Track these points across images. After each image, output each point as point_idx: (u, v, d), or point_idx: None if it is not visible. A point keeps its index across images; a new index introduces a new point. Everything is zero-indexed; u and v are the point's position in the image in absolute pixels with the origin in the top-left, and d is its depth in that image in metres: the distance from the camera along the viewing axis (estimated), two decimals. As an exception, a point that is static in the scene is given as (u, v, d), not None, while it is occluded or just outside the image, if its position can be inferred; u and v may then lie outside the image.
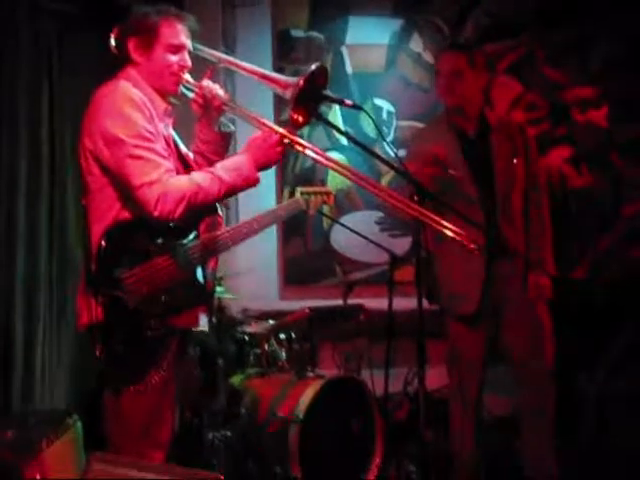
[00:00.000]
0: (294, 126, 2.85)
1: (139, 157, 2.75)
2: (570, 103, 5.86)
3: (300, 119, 2.83)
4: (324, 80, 2.86)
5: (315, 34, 6.14)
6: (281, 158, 2.95)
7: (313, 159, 2.89)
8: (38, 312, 4.09)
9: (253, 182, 2.90)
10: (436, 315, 4.21)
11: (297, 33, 6.15)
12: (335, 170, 2.88)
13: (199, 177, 2.82)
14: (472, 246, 2.74)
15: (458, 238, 2.74)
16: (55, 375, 4.22)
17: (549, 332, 4.15)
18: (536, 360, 4.08)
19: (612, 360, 3.41)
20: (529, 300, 4.08)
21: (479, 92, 4.12)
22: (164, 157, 2.83)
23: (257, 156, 2.88)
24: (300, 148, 2.85)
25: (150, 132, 2.81)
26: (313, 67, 2.81)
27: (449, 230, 2.78)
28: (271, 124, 2.91)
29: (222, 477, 2.27)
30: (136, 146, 2.76)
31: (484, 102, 4.19)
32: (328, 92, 2.95)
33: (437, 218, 2.79)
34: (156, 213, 2.72)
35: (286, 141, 2.86)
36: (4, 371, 3.87)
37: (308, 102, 2.81)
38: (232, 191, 2.88)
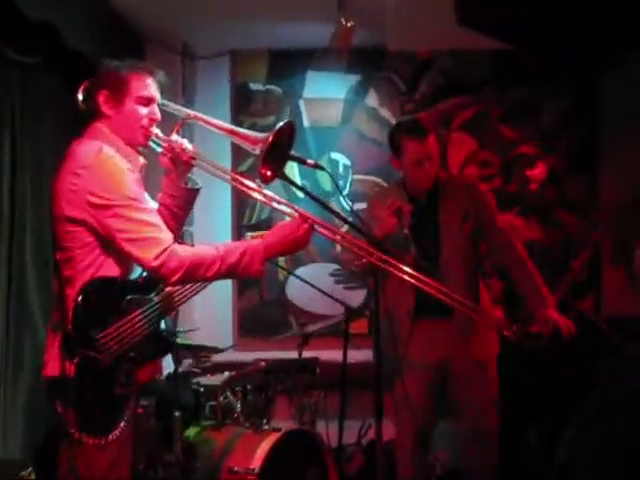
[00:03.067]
0: (263, 181, 2.91)
1: (130, 218, 2.78)
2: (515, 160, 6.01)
3: (269, 174, 2.90)
4: (291, 135, 2.93)
5: (273, 87, 6.24)
6: (304, 247, 2.99)
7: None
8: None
9: (255, 272, 2.89)
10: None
11: (256, 86, 6.25)
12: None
13: (204, 251, 2.84)
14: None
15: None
16: (10, 426, 4.16)
17: (496, 389, 4.22)
18: (484, 417, 4.15)
19: (583, 418, 3.46)
20: (476, 359, 4.14)
21: (437, 163, 4.21)
22: (157, 217, 2.88)
23: (274, 244, 2.91)
24: (255, 194, 2.95)
25: (139, 194, 2.86)
26: (281, 123, 2.88)
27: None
28: (242, 179, 2.97)
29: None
30: (129, 207, 2.79)
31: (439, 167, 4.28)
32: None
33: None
34: (155, 264, 2.75)
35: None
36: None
37: (275, 157, 2.88)
38: (231, 273, 2.88)
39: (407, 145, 4.13)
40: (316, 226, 2.93)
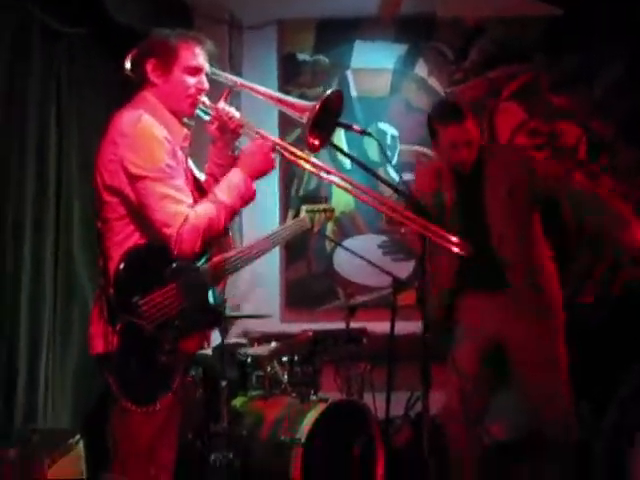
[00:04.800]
0: (310, 150, 2.89)
1: (160, 194, 2.77)
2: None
3: (316, 143, 2.88)
4: (339, 104, 2.89)
5: (321, 58, 6.19)
6: (273, 166, 2.99)
7: (313, 173, 2.96)
8: (42, 333, 4.09)
9: (251, 197, 2.94)
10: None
11: (303, 57, 6.20)
12: (343, 188, 2.94)
13: (207, 210, 2.83)
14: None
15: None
16: (58, 394, 4.21)
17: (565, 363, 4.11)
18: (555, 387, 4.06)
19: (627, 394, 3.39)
20: (541, 333, 4.06)
21: (475, 146, 4.12)
22: (185, 192, 2.85)
23: (251, 168, 2.93)
24: (301, 161, 2.91)
25: (171, 167, 2.82)
26: (329, 92, 2.85)
27: (455, 246, 2.80)
28: (285, 143, 2.96)
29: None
30: (157, 180, 2.77)
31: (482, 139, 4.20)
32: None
33: (443, 233, 2.80)
34: (176, 251, 2.77)
35: (280, 150, 2.93)
36: (8, 390, 3.86)
37: (323, 126, 2.85)
38: (234, 212, 2.92)
39: (442, 131, 4.07)
40: (303, 164, 2.92)
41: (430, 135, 4.18)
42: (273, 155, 2.95)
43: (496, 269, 4.01)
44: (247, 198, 2.93)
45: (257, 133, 2.99)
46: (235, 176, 2.92)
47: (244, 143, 3.20)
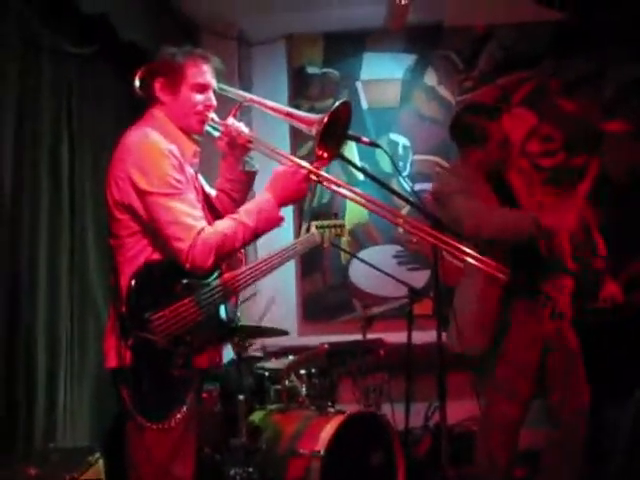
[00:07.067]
0: (320, 162, 2.88)
1: (171, 208, 2.77)
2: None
3: (325, 155, 2.87)
4: (348, 116, 2.89)
5: (330, 70, 6.22)
6: (305, 194, 2.96)
7: (339, 193, 2.93)
8: (60, 351, 4.10)
9: (277, 222, 2.91)
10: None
11: (312, 70, 6.24)
12: (361, 204, 2.93)
13: (224, 226, 2.83)
14: (501, 275, 2.73)
15: (483, 266, 2.74)
16: (77, 412, 4.22)
17: (583, 372, 4.00)
18: (573, 401, 3.95)
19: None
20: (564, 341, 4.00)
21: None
22: (195, 206, 2.86)
23: (281, 194, 2.89)
24: (327, 183, 2.89)
25: (180, 182, 2.82)
26: (337, 103, 2.84)
27: (472, 258, 2.77)
28: (297, 160, 2.93)
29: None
30: (167, 195, 2.77)
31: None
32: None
33: (459, 245, 2.77)
34: (188, 265, 2.76)
35: (313, 177, 2.88)
36: (27, 408, 3.87)
37: (332, 139, 2.85)
38: (256, 234, 2.89)
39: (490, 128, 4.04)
40: (337, 188, 2.88)
41: (477, 138, 4.06)
42: (305, 185, 2.91)
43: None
44: (273, 223, 2.90)
45: (271, 150, 2.98)
46: (262, 198, 2.90)
47: (256, 158, 3.22)
